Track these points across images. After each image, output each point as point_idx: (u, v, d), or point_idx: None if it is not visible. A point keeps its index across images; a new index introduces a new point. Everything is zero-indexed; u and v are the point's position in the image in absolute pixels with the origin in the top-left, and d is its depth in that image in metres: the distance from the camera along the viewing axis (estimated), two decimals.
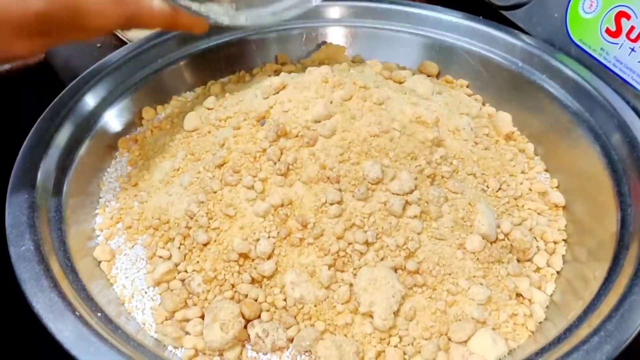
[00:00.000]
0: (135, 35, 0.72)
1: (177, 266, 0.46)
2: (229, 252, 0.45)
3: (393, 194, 0.46)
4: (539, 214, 0.52)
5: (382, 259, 0.45)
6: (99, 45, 0.75)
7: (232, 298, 0.44)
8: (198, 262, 0.46)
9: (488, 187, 0.51)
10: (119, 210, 0.52)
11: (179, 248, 0.47)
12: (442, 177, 0.49)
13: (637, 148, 0.50)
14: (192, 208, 0.47)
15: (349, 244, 0.45)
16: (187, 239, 0.47)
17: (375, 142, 0.48)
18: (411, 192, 0.46)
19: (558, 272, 0.49)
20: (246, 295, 0.44)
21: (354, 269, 0.44)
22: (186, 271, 0.46)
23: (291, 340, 0.43)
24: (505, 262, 0.47)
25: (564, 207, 0.53)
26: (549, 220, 0.52)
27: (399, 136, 0.48)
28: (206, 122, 0.55)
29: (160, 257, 0.47)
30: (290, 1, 0.52)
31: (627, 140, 0.51)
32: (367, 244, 0.45)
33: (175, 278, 0.46)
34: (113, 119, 0.57)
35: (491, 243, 0.47)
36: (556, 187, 0.55)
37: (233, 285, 0.45)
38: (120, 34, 0.75)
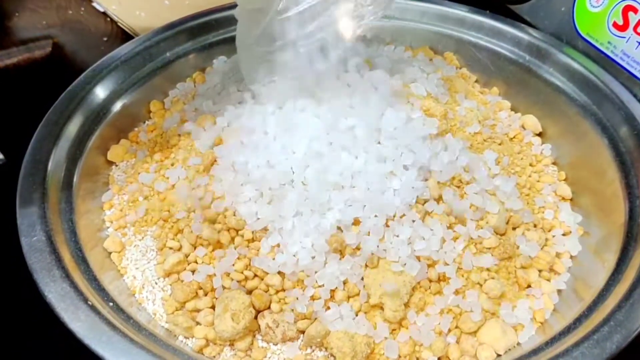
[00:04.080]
0: (143, 28, 0.72)
1: (187, 257, 0.47)
2: None
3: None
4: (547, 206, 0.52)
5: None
6: (105, 38, 0.75)
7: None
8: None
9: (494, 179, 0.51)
10: (128, 203, 0.52)
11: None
12: (454, 177, 0.49)
13: None
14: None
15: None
16: None
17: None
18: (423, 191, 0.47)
19: (567, 264, 0.49)
20: (256, 286, 0.44)
21: (363, 266, 0.45)
22: (196, 262, 0.46)
23: (301, 331, 0.43)
24: (515, 254, 0.47)
25: (572, 200, 0.53)
26: (557, 212, 0.52)
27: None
28: None
29: (170, 248, 0.47)
30: None
31: (635, 132, 0.51)
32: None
33: (185, 269, 0.46)
34: (122, 112, 0.57)
35: (501, 235, 0.47)
36: (564, 180, 0.55)
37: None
38: (127, 27, 0.75)
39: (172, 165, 0.53)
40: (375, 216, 0.45)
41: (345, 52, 0.51)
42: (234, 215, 0.46)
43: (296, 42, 0.49)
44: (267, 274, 0.44)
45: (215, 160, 0.50)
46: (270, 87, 0.51)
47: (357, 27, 0.49)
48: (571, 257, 0.49)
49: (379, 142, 0.48)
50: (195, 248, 0.46)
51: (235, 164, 0.48)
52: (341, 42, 0.49)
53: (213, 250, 0.46)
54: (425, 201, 0.46)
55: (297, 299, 0.43)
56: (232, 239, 0.46)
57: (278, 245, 0.44)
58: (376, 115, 0.49)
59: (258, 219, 0.45)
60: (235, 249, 0.45)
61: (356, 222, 0.45)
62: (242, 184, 0.47)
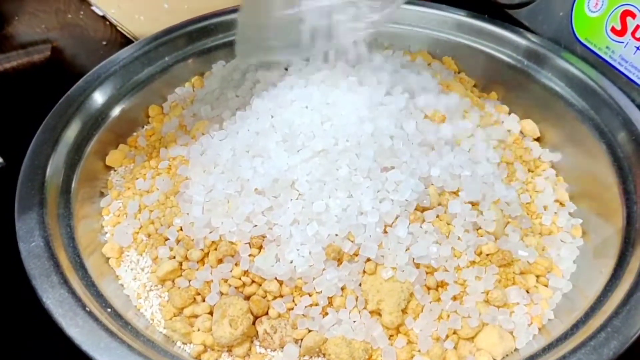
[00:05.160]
0: (143, 33, 0.73)
1: (181, 265, 0.47)
2: None
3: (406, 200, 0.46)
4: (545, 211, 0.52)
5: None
6: (104, 42, 0.75)
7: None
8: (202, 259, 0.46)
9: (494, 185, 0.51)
10: (124, 209, 0.52)
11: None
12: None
13: None
14: None
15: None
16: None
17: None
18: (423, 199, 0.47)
19: (565, 269, 0.49)
20: (254, 292, 0.45)
21: (361, 272, 0.45)
22: (190, 268, 0.46)
23: (298, 340, 0.43)
24: (514, 260, 0.47)
25: (570, 205, 0.53)
26: (555, 217, 0.52)
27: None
28: None
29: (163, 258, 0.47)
30: None
31: (633, 137, 0.51)
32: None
33: (180, 276, 0.46)
34: (121, 116, 0.57)
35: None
36: (562, 185, 0.55)
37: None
38: (126, 31, 0.75)
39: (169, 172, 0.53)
40: (374, 223, 0.45)
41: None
42: (222, 240, 0.46)
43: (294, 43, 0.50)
44: (265, 280, 0.44)
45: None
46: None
47: (358, 36, 0.49)
48: (569, 262, 0.49)
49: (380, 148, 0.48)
50: (187, 259, 0.46)
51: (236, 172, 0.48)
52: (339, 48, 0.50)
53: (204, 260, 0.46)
54: (425, 208, 0.46)
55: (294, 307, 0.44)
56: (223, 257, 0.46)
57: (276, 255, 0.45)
58: (386, 122, 0.49)
59: (255, 226, 0.45)
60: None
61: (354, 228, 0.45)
62: (238, 190, 0.47)
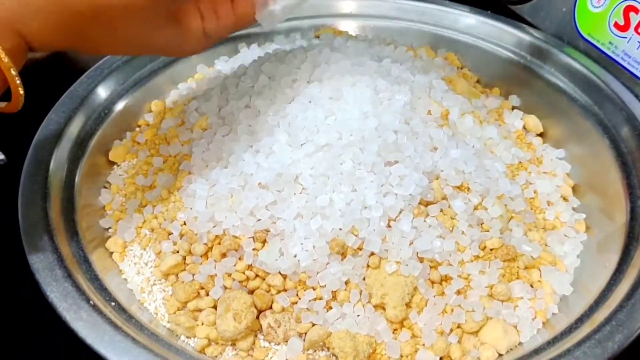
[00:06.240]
0: None
1: (185, 259, 0.47)
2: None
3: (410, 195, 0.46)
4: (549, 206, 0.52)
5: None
6: None
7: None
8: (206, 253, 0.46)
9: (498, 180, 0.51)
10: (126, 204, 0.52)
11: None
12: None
13: None
14: None
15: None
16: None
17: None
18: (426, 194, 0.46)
19: (569, 264, 0.49)
20: (258, 286, 0.45)
21: (365, 266, 0.45)
22: (194, 263, 0.46)
23: (302, 334, 0.43)
24: (518, 255, 0.47)
25: (573, 200, 0.53)
26: (559, 213, 0.52)
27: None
28: None
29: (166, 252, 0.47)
30: None
31: (636, 133, 0.51)
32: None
33: (184, 270, 0.46)
34: (124, 112, 0.57)
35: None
36: (565, 180, 0.55)
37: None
38: None
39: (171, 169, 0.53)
40: (378, 217, 0.45)
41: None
42: (226, 234, 0.46)
43: None
44: (269, 274, 0.44)
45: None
46: None
47: None
48: (573, 257, 0.49)
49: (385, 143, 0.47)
50: (191, 254, 0.46)
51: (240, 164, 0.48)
52: None
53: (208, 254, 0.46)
54: (429, 203, 0.46)
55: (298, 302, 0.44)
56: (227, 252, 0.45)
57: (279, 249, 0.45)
58: (390, 117, 0.49)
59: (259, 220, 0.45)
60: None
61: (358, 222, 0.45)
62: (242, 185, 0.47)
